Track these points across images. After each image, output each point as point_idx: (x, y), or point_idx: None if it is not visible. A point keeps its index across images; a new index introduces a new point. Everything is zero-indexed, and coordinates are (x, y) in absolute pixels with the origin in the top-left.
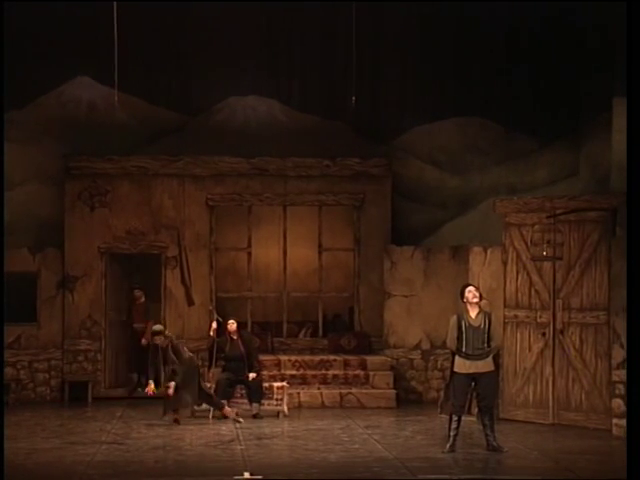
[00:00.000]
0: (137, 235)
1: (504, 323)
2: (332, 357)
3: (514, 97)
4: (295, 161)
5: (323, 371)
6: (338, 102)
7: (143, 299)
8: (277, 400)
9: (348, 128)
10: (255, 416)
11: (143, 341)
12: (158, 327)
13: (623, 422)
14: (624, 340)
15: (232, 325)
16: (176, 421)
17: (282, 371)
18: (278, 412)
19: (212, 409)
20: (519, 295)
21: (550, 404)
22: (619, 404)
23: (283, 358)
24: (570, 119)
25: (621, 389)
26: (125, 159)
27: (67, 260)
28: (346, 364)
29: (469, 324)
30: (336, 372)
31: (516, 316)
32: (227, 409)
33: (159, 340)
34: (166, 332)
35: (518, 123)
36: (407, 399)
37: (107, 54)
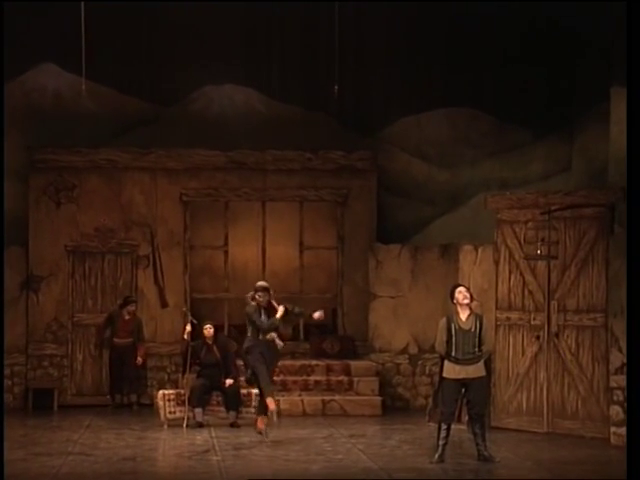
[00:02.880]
0: (106, 232)
1: (496, 326)
2: (314, 362)
3: (507, 87)
4: (275, 154)
5: (304, 377)
6: (320, 91)
7: (133, 315)
8: (256, 408)
9: (331, 119)
10: (232, 425)
11: (139, 360)
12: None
13: (621, 430)
14: (623, 344)
15: (209, 330)
16: (261, 432)
17: None
18: None
19: (186, 416)
20: (512, 296)
21: (544, 411)
22: (617, 411)
23: None
24: (565, 110)
25: (619, 395)
26: (93, 152)
27: (31, 259)
28: (329, 369)
29: (459, 327)
30: (318, 378)
31: (509, 318)
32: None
33: (262, 297)
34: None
35: (511, 114)
36: (393, 406)
37: (74, 39)
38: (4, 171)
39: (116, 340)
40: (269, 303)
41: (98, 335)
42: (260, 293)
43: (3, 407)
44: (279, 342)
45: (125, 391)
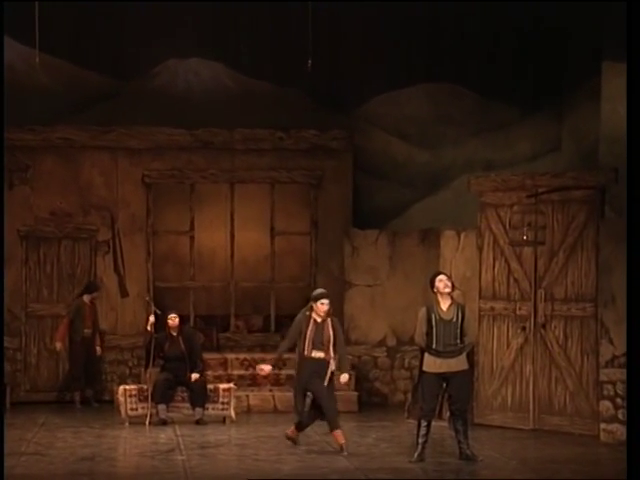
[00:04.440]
0: (63, 217)
1: (479, 316)
2: (286, 355)
3: (491, 61)
4: (244, 133)
5: (276, 371)
6: (292, 66)
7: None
8: (223, 404)
9: (304, 96)
10: (198, 422)
11: (99, 350)
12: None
13: (612, 427)
14: (613, 335)
15: (174, 320)
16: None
17: (229, 371)
18: (224, 417)
19: (149, 413)
20: (496, 285)
21: (530, 407)
22: (607, 407)
23: (230, 356)
24: (554, 86)
25: (610, 390)
26: (49, 130)
27: None
28: None
29: (440, 317)
30: (290, 372)
31: (493, 308)
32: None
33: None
34: None
35: (496, 91)
36: (370, 402)
37: (27, 8)
38: (4, 172)
39: (86, 331)
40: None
41: (65, 330)
42: (324, 300)
43: (3, 408)
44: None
45: (82, 386)
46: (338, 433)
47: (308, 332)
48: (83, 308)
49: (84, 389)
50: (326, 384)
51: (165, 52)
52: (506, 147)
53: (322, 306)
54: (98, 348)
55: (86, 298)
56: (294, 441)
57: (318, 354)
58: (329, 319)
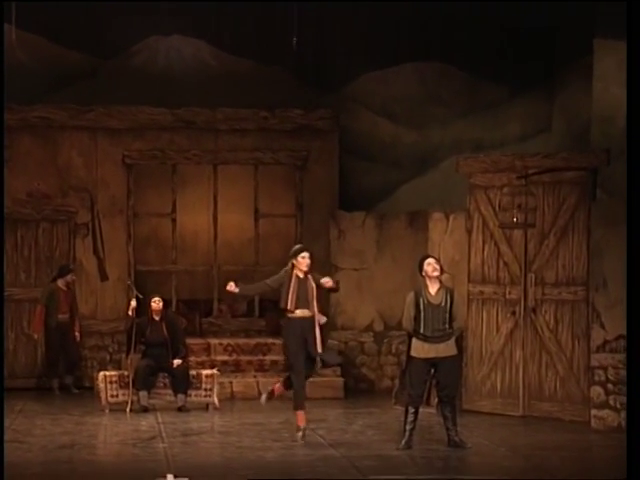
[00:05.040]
0: (41, 198)
1: (468, 300)
2: (270, 340)
3: (481, 40)
4: (227, 112)
5: (260, 356)
6: (277, 44)
7: (71, 286)
8: (206, 390)
9: (289, 74)
10: (180, 409)
11: (77, 335)
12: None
13: (603, 413)
14: (605, 319)
15: (157, 304)
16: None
17: (212, 357)
18: (207, 404)
19: (130, 400)
20: (485, 268)
21: (520, 393)
22: (598, 393)
23: (213, 342)
24: (545, 65)
25: (601, 375)
26: (26, 109)
27: None
28: None
29: (428, 302)
30: (275, 358)
31: (482, 292)
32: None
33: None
34: None
35: (485, 70)
36: (357, 388)
37: None
38: (4, 171)
39: (60, 317)
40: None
41: (39, 316)
42: (305, 254)
43: (3, 404)
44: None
45: (60, 372)
46: (301, 414)
47: (291, 289)
48: (57, 293)
49: (63, 376)
50: (319, 342)
51: (145, 29)
52: (495, 127)
53: (303, 260)
54: (77, 334)
55: (60, 282)
56: (270, 396)
57: (304, 312)
58: (310, 274)
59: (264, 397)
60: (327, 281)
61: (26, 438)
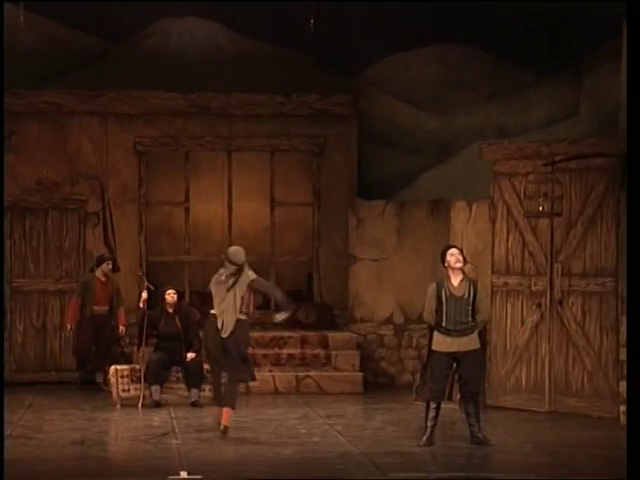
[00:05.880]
0: (50, 186)
1: (492, 292)
2: (287, 333)
3: (505, 21)
4: (242, 98)
5: (276, 350)
6: (294, 26)
7: (110, 277)
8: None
9: (306, 58)
10: (194, 404)
11: (122, 329)
12: None
13: None
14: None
15: (172, 296)
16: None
17: None
18: None
19: (142, 395)
20: (510, 258)
21: (546, 388)
22: None
23: None
24: (572, 47)
25: None
26: (34, 93)
27: None
28: (303, 342)
29: (450, 294)
30: (292, 351)
31: (506, 284)
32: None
33: None
34: None
35: (510, 52)
36: (376, 383)
37: None
38: (4, 171)
39: (95, 308)
40: None
41: (74, 307)
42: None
43: (3, 401)
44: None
45: (90, 368)
46: (228, 411)
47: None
48: (93, 283)
49: (92, 371)
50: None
51: (158, 11)
52: (521, 112)
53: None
54: (122, 327)
55: (98, 273)
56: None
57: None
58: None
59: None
60: None
61: (35, 434)
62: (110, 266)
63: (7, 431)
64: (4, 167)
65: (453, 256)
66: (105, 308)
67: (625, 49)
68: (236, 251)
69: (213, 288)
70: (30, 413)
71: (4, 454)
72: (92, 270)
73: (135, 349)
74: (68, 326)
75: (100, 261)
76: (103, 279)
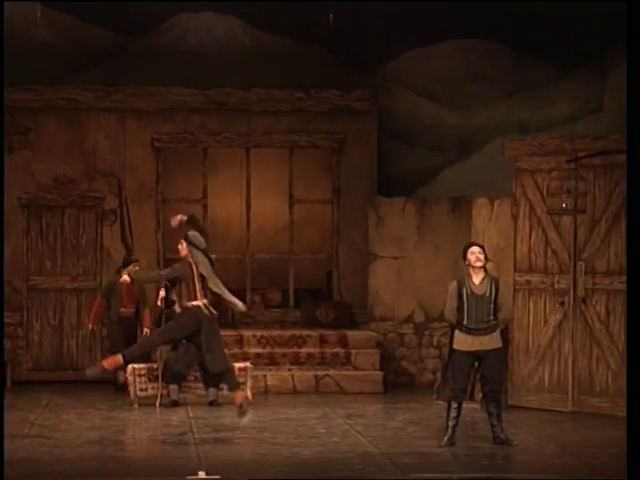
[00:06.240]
0: (67, 183)
1: (514, 290)
2: (306, 332)
3: (527, 15)
4: (260, 93)
5: (295, 349)
6: (313, 20)
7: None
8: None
9: (325, 53)
10: (212, 403)
11: (146, 331)
12: None
13: None
14: None
15: None
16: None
17: (245, 349)
18: None
19: (160, 394)
20: (533, 256)
21: (569, 388)
22: None
23: (246, 333)
24: (596, 41)
25: None
26: (51, 89)
27: None
28: (323, 341)
29: (472, 292)
30: (311, 350)
31: (529, 282)
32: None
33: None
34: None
35: (532, 47)
36: (397, 382)
37: None
38: (5, 171)
39: (122, 311)
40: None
41: (97, 308)
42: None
43: (3, 400)
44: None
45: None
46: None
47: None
48: (118, 286)
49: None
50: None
51: (175, 6)
52: (543, 108)
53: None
54: (146, 330)
55: (124, 274)
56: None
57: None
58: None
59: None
60: None
61: (52, 433)
62: (137, 268)
63: (24, 430)
64: (19, 164)
65: (474, 255)
66: (132, 310)
67: None
68: (196, 235)
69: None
70: (47, 412)
71: (5, 453)
72: (118, 272)
73: None
74: (90, 326)
75: (127, 262)
76: (129, 280)
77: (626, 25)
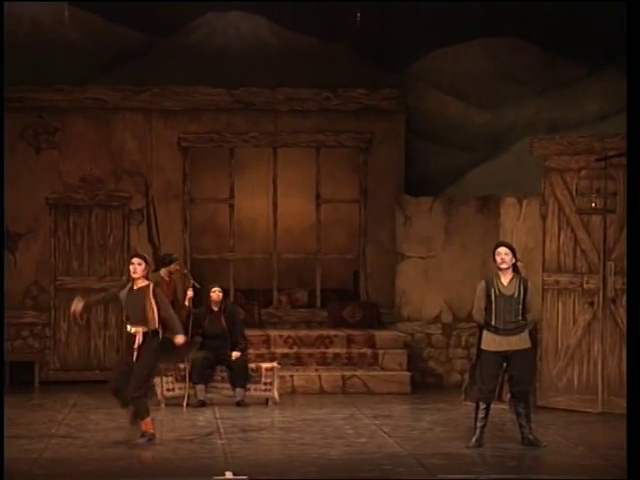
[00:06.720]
0: (94, 183)
1: (543, 290)
2: (333, 332)
3: (556, 13)
4: (287, 93)
5: (322, 349)
6: (340, 20)
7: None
8: (266, 384)
9: (352, 52)
10: (239, 403)
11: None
12: None
13: None
14: None
15: (217, 294)
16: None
17: (272, 349)
18: (267, 399)
19: (187, 394)
20: (561, 256)
21: (599, 389)
22: None
23: (273, 333)
24: (625, 39)
25: None
26: (78, 89)
27: (7, 213)
28: (350, 341)
29: (500, 292)
30: (338, 350)
31: (558, 282)
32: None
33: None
34: None
35: (561, 45)
36: (424, 383)
37: None
38: (4, 172)
39: None
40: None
41: None
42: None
43: (3, 401)
44: None
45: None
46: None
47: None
48: (160, 284)
49: None
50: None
51: (202, 5)
52: (572, 106)
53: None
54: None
55: (163, 272)
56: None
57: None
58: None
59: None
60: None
61: (80, 433)
62: (178, 267)
63: (52, 430)
64: (46, 164)
65: (499, 256)
66: None
67: None
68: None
69: None
70: (74, 412)
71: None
72: (157, 269)
73: None
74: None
75: (169, 261)
76: (167, 279)
77: (626, 25)
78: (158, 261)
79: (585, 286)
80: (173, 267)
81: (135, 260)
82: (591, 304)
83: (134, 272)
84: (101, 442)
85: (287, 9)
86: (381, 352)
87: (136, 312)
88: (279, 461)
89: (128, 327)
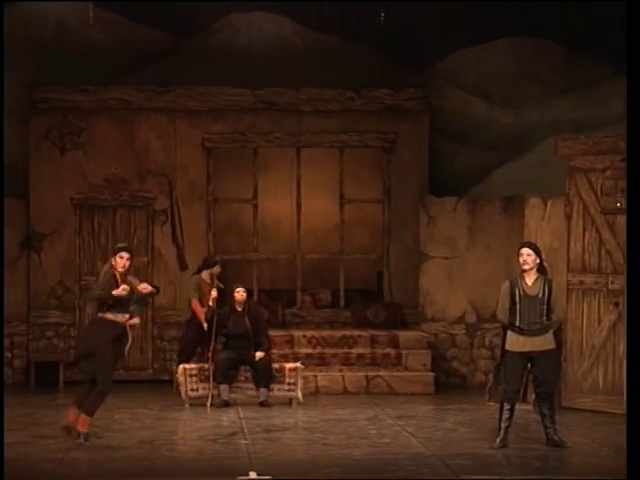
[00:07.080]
0: (118, 183)
1: (567, 291)
2: (356, 332)
3: (580, 12)
4: (311, 93)
5: (345, 349)
6: (363, 20)
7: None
8: (289, 385)
9: (376, 52)
10: (263, 404)
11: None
12: None
13: None
14: None
15: (241, 294)
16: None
17: (295, 349)
18: (291, 399)
19: (211, 394)
20: (586, 256)
21: (624, 390)
22: None
23: (297, 334)
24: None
25: None
26: (103, 90)
27: (32, 214)
28: (373, 341)
29: (524, 292)
30: (361, 351)
31: (582, 282)
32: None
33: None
34: None
35: (585, 45)
36: (448, 383)
37: None
38: (4, 172)
39: (204, 310)
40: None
41: (197, 308)
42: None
43: (3, 401)
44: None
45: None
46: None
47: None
48: (202, 286)
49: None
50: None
51: (226, 6)
52: (597, 106)
53: (121, 260)
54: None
55: (204, 274)
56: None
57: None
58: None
59: None
60: (144, 287)
61: (104, 433)
62: (220, 269)
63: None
64: (71, 164)
65: (522, 256)
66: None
67: None
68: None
69: None
70: (99, 412)
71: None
72: (198, 271)
73: (205, 348)
74: (205, 325)
75: (212, 263)
76: (209, 281)
77: (626, 25)
78: (201, 263)
79: (610, 286)
80: (216, 269)
81: (125, 255)
82: (616, 305)
83: (123, 267)
84: (125, 442)
85: (311, 9)
86: (405, 352)
87: (123, 304)
88: (303, 461)
89: (110, 316)
